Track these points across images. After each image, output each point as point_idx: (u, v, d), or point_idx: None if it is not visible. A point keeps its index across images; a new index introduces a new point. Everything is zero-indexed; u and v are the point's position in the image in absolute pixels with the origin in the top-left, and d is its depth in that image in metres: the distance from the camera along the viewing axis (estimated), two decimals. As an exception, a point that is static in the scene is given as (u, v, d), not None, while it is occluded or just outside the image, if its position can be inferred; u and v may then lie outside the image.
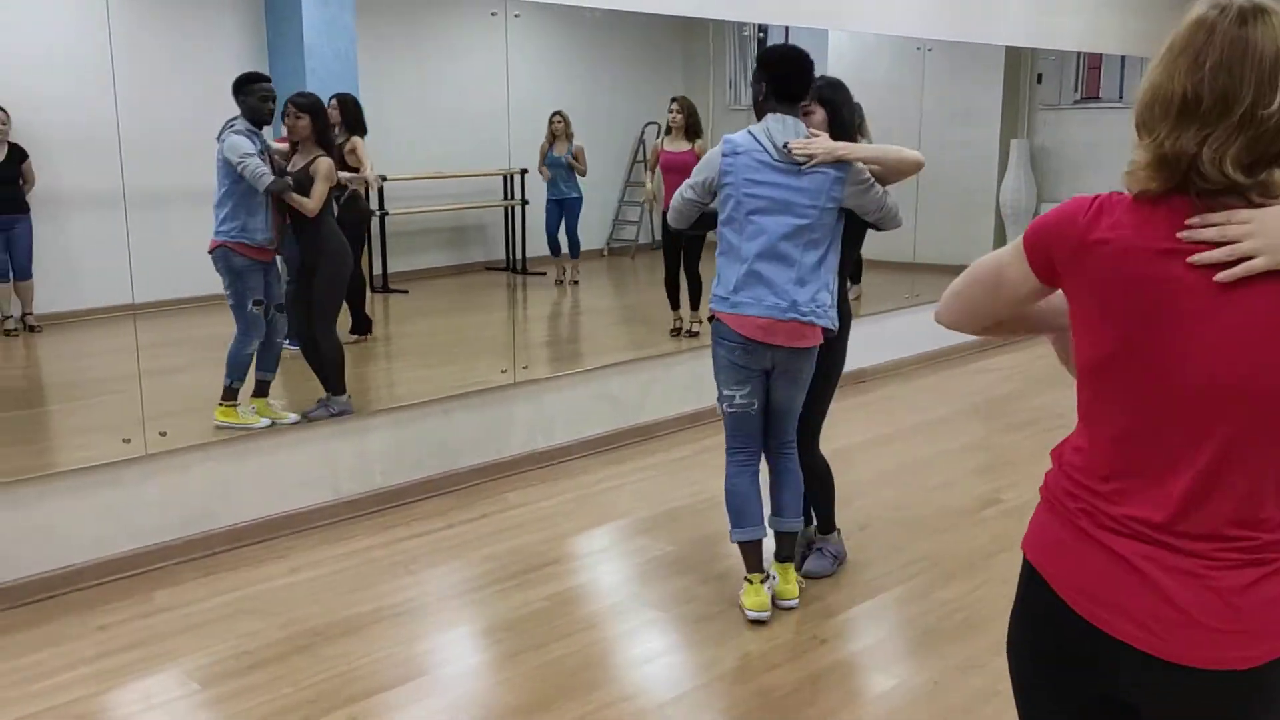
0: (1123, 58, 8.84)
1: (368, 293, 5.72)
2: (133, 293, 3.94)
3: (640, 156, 7.80)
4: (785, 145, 3.20)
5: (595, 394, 5.14)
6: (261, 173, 4.20)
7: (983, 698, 2.91)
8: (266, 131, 4.40)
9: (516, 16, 4.82)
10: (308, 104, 4.40)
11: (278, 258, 4.48)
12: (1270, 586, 1.29)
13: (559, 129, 6.66)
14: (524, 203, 6.76)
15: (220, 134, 4.25)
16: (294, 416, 4.37)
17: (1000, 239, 8.70)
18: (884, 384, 6.40)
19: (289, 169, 4.37)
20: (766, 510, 3.46)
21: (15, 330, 5.08)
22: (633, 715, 2.86)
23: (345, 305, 5.02)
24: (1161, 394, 1.30)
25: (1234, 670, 1.29)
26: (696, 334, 6.03)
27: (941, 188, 7.25)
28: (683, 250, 6.20)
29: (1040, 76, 9.08)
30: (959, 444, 5.19)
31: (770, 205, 3.21)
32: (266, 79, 4.32)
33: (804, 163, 3.19)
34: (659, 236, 7.67)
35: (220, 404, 4.32)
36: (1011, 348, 7.23)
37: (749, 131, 3.28)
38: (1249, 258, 1.24)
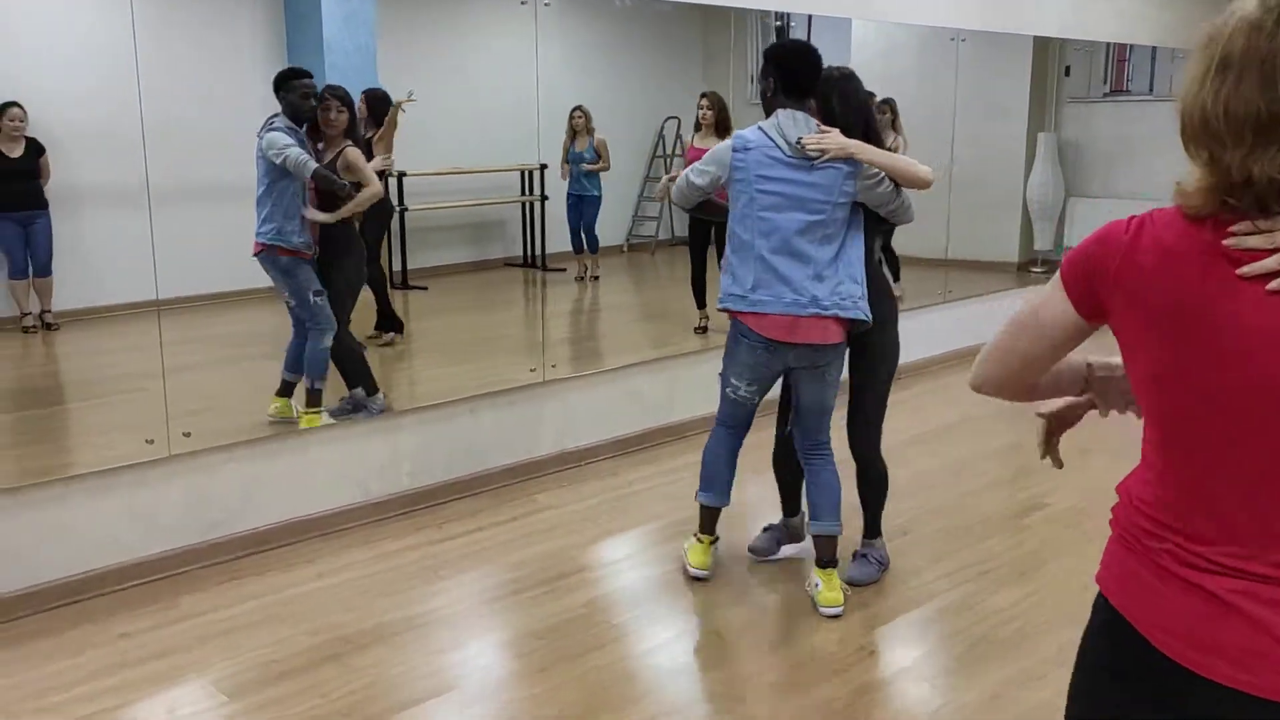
0: (1153, 49, 8.66)
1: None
2: (156, 289, 3.84)
3: (660, 152, 7.70)
4: (798, 141, 3.17)
5: (623, 393, 5.02)
6: (304, 159, 4.08)
7: (1046, 713, 2.78)
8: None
9: (546, 5, 4.70)
10: (348, 96, 4.29)
11: None
12: None
13: (579, 124, 6.55)
14: (543, 198, 6.66)
15: (260, 131, 4.13)
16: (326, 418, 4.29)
17: (1027, 236, 8.54)
18: (917, 381, 6.27)
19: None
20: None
21: (34, 327, 5.02)
22: (676, 731, 2.76)
23: (374, 303, 4.94)
24: (1223, 415, 1.21)
25: None
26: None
27: (971, 183, 7.12)
28: (710, 247, 6.09)
29: (1068, 69, 8.92)
30: (997, 445, 5.06)
31: (783, 201, 3.19)
32: (308, 75, 4.20)
33: (816, 158, 3.16)
34: (679, 233, 7.57)
35: (305, 411, 4.24)
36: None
37: (759, 127, 3.26)
38: None
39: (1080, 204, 8.65)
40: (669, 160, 7.65)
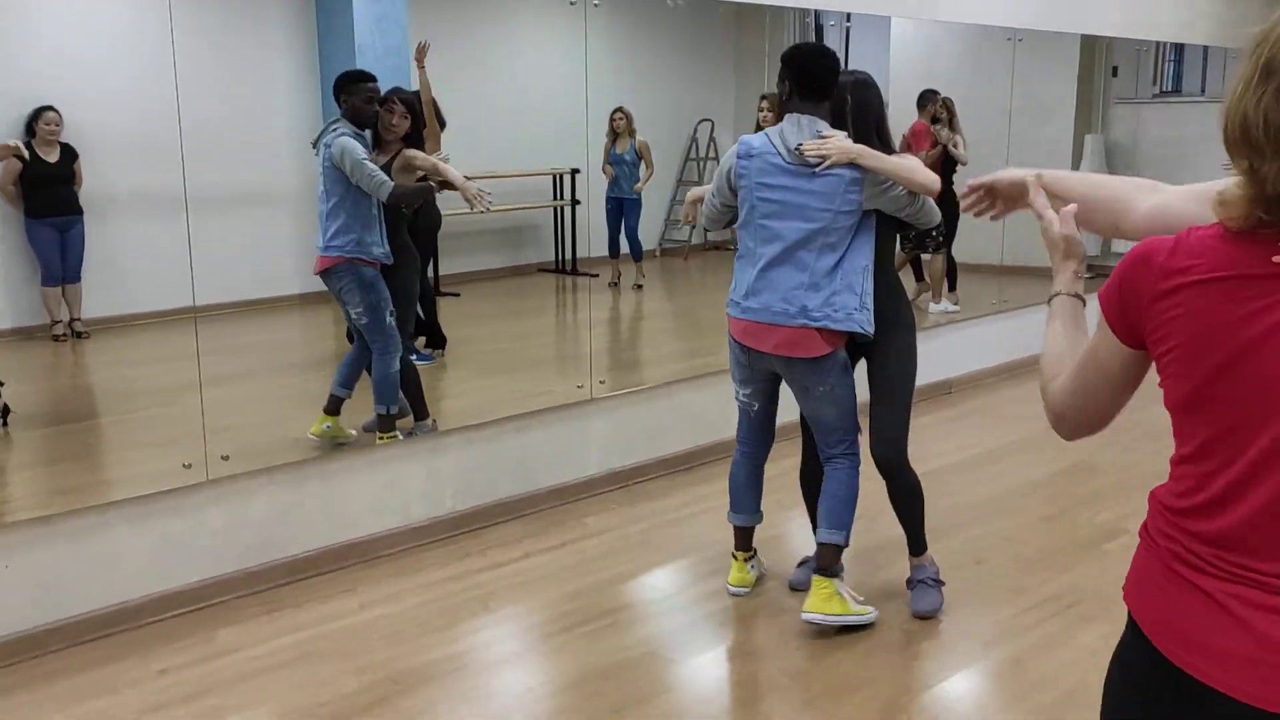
0: (1205, 49, 8.39)
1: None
2: (194, 296, 3.68)
3: (693, 154, 7.51)
4: (797, 147, 3.10)
5: (673, 409, 4.82)
6: (381, 180, 3.87)
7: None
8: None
9: (596, 5, 4.51)
10: (415, 102, 4.12)
11: None
12: None
13: (620, 126, 6.37)
14: (575, 203, 6.50)
15: (322, 138, 3.93)
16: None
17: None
18: (971, 396, 6.04)
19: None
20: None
21: (64, 336, 4.89)
22: (754, 788, 2.55)
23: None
24: (1252, 425, 1.20)
25: None
26: None
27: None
28: None
29: (1115, 69, 8.65)
30: (1064, 465, 4.82)
31: (782, 209, 3.13)
32: (372, 78, 4.00)
33: (817, 164, 3.07)
34: (712, 237, 7.38)
35: (380, 436, 4.05)
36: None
37: (766, 133, 3.20)
38: None
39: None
40: (703, 163, 7.47)
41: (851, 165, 3.07)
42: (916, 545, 3.44)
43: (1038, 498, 4.41)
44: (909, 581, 3.45)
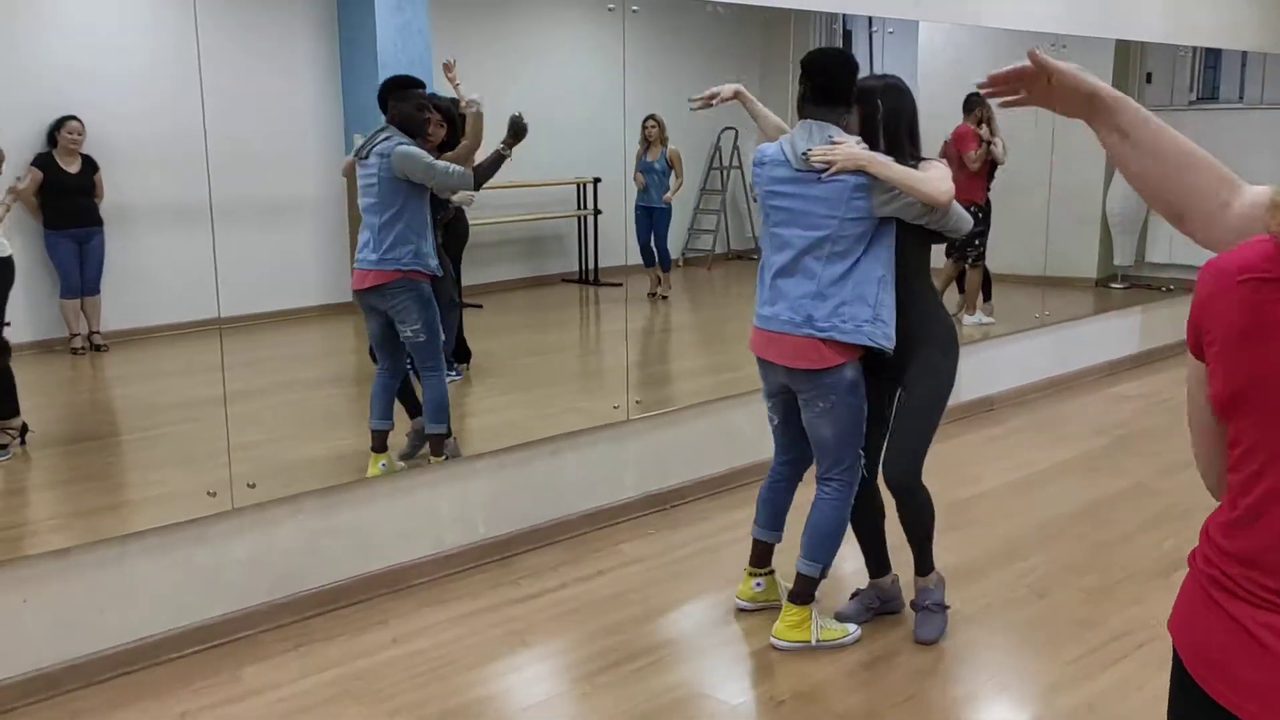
0: (1244, 54, 8.18)
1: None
2: (219, 308, 3.54)
3: (716, 163, 7.36)
4: (805, 153, 3.02)
5: (712, 428, 4.65)
6: (460, 171, 3.75)
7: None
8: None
9: (635, 11, 4.35)
10: (451, 111, 3.98)
11: None
12: None
13: (653, 134, 6.22)
14: (596, 212, 6.35)
15: (372, 147, 3.77)
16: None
17: (1106, 251, 8.08)
18: (1014, 413, 5.84)
19: None
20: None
21: (83, 349, 4.77)
22: None
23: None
24: None
25: None
26: None
27: (1048, 195, 6.72)
28: None
29: (1150, 75, 8.45)
30: (1120, 488, 4.62)
31: (790, 217, 3.07)
32: (420, 84, 3.86)
33: (823, 170, 2.98)
34: (735, 246, 7.22)
35: (432, 458, 3.91)
36: (1146, 371, 6.63)
37: (780, 140, 3.15)
38: None
39: (1161, 218, 8.18)
40: (726, 172, 7.32)
41: (858, 171, 2.96)
42: (922, 565, 3.29)
43: (1095, 522, 4.21)
44: (913, 604, 3.32)
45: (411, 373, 4.11)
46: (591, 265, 6.61)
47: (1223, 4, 7.21)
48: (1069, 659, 3.14)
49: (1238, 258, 1.21)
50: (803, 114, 3.10)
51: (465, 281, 5.92)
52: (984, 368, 5.90)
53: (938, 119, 6.56)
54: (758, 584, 3.47)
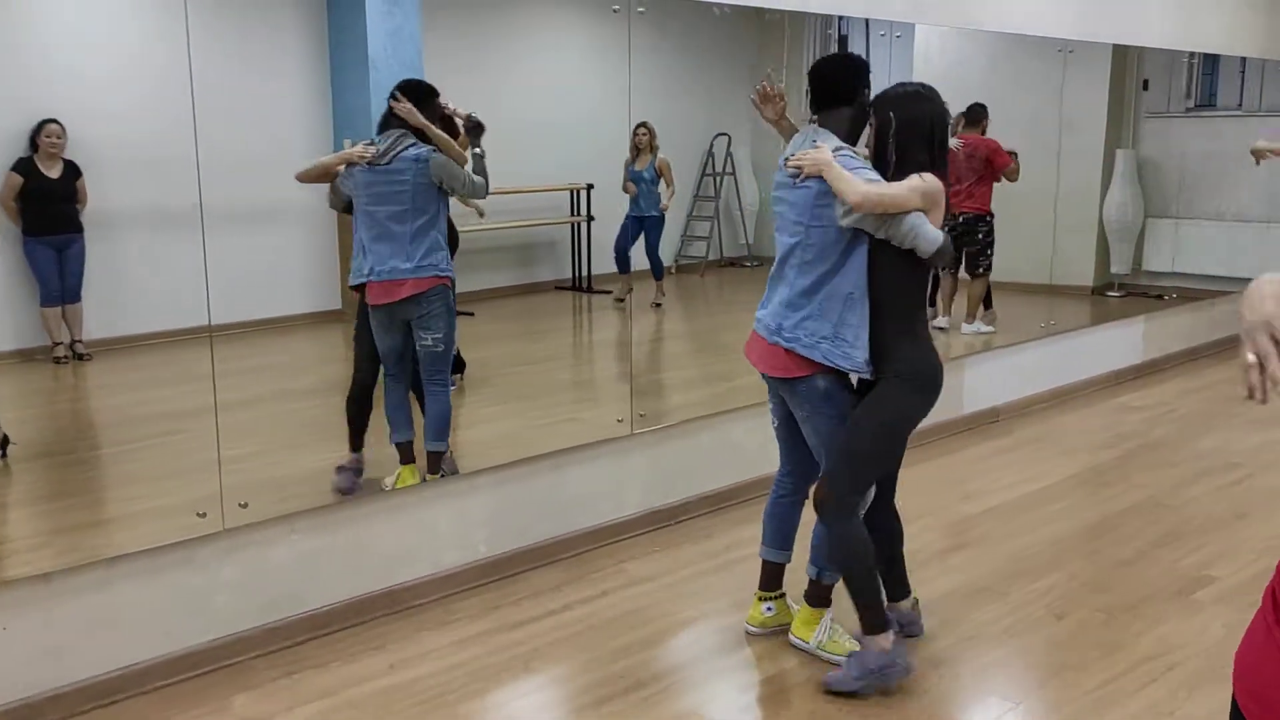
0: (1243, 60, 8.13)
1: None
2: (209, 316, 3.41)
3: (709, 169, 7.26)
4: (785, 159, 3.01)
5: (716, 442, 4.52)
6: (480, 181, 3.75)
7: None
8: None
9: (641, 12, 4.24)
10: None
11: None
12: None
13: (643, 141, 6.07)
14: (590, 219, 6.24)
15: (397, 153, 3.66)
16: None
17: (1103, 258, 8.01)
18: (1021, 424, 5.74)
19: None
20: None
21: (65, 358, 4.63)
22: None
23: None
24: None
25: None
26: None
27: (1045, 202, 6.64)
28: None
29: (1146, 82, 8.38)
30: (1132, 502, 4.52)
31: (780, 221, 3.08)
32: (437, 92, 3.80)
33: (797, 175, 2.95)
34: (728, 253, 7.10)
35: (429, 475, 3.78)
36: (1152, 381, 6.54)
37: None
38: None
39: (1160, 225, 8.12)
40: (719, 179, 7.22)
41: (818, 177, 2.90)
42: (890, 589, 3.19)
43: (1109, 539, 4.11)
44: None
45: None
46: (585, 272, 6.50)
47: (1225, 9, 7.15)
48: (1095, 685, 3.03)
49: None
50: (811, 120, 3.07)
51: (457, 289, 5.80)
52: (989, 378, 5.80)
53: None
54: (768, 608, 3.34)
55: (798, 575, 3.31)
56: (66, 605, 2.94)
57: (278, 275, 4.89)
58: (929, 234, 2.82)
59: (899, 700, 2.96)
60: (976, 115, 6.10)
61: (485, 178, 3.78)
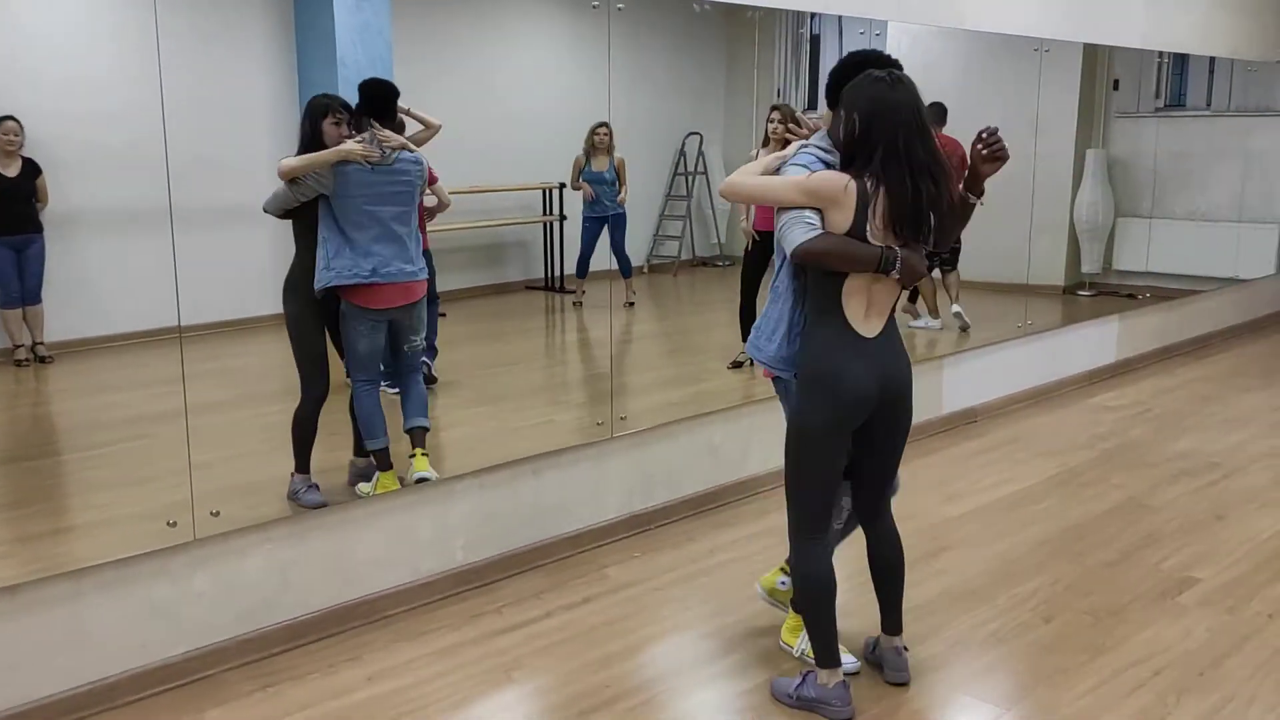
0: (1211, 60, 8.20)
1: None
2: (179, 316, 3.31)
3: (681, 168, 7.21)
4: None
5: (697, 445, 4.48)
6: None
7: None
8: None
9: (620, 9, 4.18)
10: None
11: None
12: None
13: (602, 142, 5.93)
14: (562, 218, 6.17)
15: (400, 153, 3.66)
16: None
17: (1074, 258, 8.05)
18: (997, 425, 5.74)
19: None
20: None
21: (26, 360, 4.50)
22: None
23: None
24: None
25: None
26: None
27: (1015, 202, 6.65)
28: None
29: (1116, 82, 8.43)
30: (1112, 503, 4.52)
31: None
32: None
33: None
34: (700, 252, 7.06)
35: (420, 450, 3.76)
36: (1127, 381, 6.56)
37: None
38: None
39: (1131, 224, 8.17)
40: (691, 178, 7.17)
41: None
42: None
43: (1091, 542, 4.10)
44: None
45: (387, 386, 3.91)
46: (557, 272, 6.43)
47: (1197, 9, 7.20)
48: (1085, 689, 3.00)
49: None
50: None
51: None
52: (966, 378, 5.79)
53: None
54: (782, 582, 3.32)
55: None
56: (33, 619, 2.84)
57: (244, 276, 4.79)
58: (790, 234, 2.65)
59: (888, 710, 2.92)
60: (936, 116, 6.10)
61: None
